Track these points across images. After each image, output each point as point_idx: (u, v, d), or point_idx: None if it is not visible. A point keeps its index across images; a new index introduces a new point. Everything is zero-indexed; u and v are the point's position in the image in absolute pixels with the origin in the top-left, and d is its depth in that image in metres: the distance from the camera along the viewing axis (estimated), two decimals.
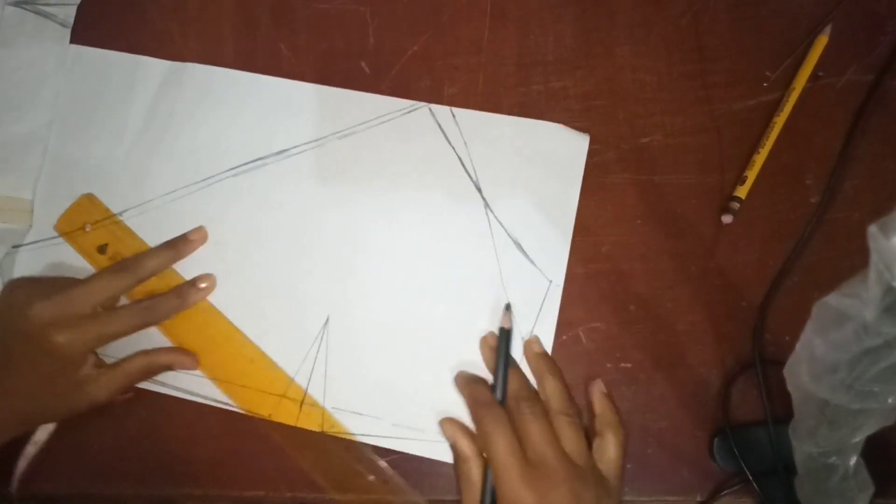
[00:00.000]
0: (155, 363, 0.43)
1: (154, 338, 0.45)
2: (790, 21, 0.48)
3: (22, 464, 0.44)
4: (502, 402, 0.39)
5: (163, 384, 0.44)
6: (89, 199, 0.47)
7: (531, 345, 0.43)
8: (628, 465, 0.42)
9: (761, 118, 0.46)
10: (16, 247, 0.47)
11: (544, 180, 0.46)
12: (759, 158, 0.44)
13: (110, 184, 0.48)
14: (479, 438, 0.39)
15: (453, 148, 0.47)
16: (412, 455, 0.43)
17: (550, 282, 0.44)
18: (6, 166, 0.49)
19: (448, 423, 0.41)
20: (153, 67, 0.49)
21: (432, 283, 0.45)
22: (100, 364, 0.42)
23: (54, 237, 0.47)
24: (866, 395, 0.28)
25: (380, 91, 0.48)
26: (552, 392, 0.40)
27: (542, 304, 0.44)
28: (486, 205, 0.46)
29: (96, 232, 0.47)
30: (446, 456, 0.42)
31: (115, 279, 0.42)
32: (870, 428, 0.31)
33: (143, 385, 0.44)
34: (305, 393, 0.44)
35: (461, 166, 0.46)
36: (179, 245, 0.45)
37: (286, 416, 0.44)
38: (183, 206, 0.47)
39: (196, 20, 0.51)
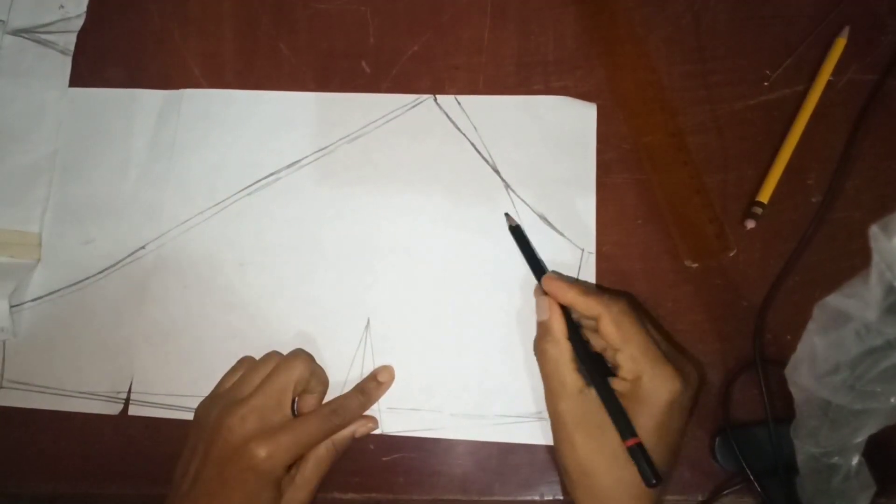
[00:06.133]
0: (339, 442, 0.41)
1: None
2: (791, 21, 0.48)
3: None
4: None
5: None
6: None
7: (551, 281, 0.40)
8: None
9: (762, 118, 0.46)
10: (35, 300, 0.46)
11: (559, 152, 0.46)
12: (779, 165, 0.44)
13: (122, 221, 0.47)
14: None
15: (464, 135, 0.47)
16: (411, 457, 0.43)
17: (582, 250, 0.45)
18: (11, 199, 0.48)
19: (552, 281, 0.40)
20: (149, 99, 0.49)
21: (465, 270, 0.45)
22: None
23: (66, 287, 0.47)
24: (868, 396, 0.28)
25: (380, 91, 0.48)
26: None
27: (578, 274, 0.44)
28: (507, 185, 0.46)
29: None
30: (508, 437, 0.42)
31: (324, 424, 0.40)
32: (872, 428, 0.31)
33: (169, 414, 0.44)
34: None
35: (475, 151, 0.47)
36: (370, 388, 0.43)
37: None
38: (201, 232, 0.47)
39: (196, 20, 0.51)
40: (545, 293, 0.40)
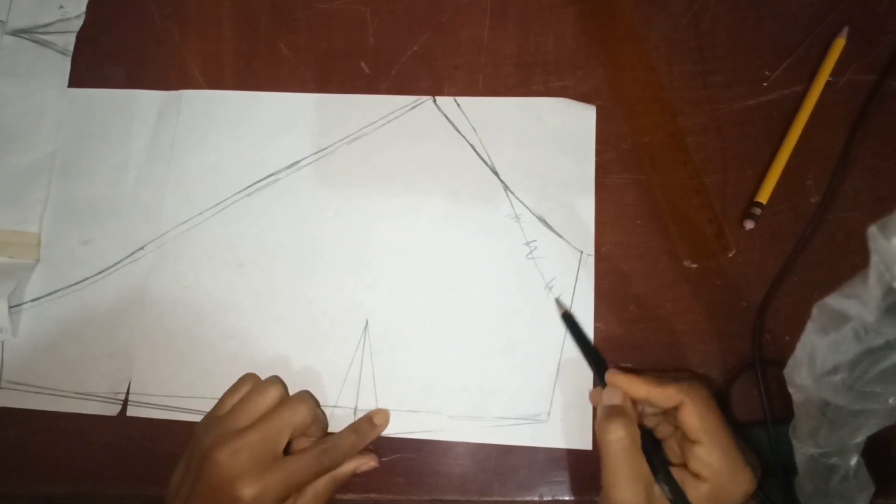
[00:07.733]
0: (339, 477, 0.40)
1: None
2: (790, 21, 0.48)
3: None
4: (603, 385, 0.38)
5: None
6: None
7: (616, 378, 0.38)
8: None
9: (762, 118, 0.46)
10: (34, 300, 0.46)
11: (558, 154, 0.46)
12: (778, 165, 0.44)
13: (122, 221, 0.47)
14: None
15: (464, 136, 0.47)
16: (411, 458, 0.43)
17: (581, 252, 0.45)
18: (10, 199, 0.48)
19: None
20: (149, 100, 0.49)
21: (464, 271, 0.45)
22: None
23: (65, 287, 0.46)
24: (867, 396, 0.28)
25: (380, 91, 0.48)
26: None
27: (577, 276, 0.44)
28: (506, 187, 0.46)
29: None
30: (508, 439, 0.42)
31: (315, 464, 0.39)
32: (870, 428, 0.31)
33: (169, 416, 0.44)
34: (357, 398, 0.43)
35: (474, 153, 0.47)
36: (364, 429, 0.42)
37: (341, 425, 0.43)
38: (201, 233, 0.47)
39: (196, 20, 0.51)
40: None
